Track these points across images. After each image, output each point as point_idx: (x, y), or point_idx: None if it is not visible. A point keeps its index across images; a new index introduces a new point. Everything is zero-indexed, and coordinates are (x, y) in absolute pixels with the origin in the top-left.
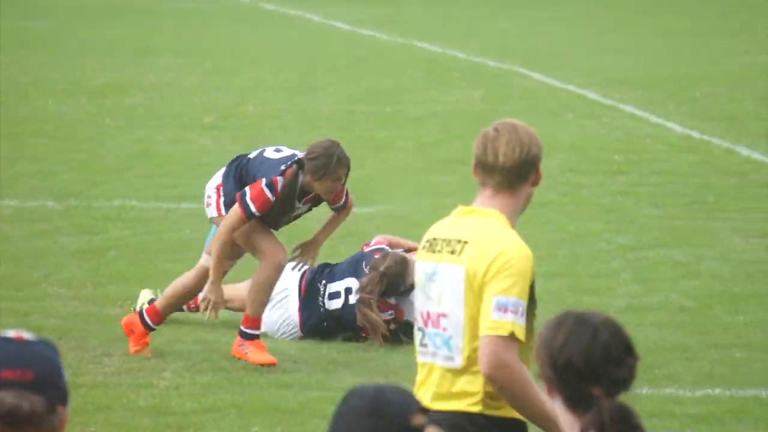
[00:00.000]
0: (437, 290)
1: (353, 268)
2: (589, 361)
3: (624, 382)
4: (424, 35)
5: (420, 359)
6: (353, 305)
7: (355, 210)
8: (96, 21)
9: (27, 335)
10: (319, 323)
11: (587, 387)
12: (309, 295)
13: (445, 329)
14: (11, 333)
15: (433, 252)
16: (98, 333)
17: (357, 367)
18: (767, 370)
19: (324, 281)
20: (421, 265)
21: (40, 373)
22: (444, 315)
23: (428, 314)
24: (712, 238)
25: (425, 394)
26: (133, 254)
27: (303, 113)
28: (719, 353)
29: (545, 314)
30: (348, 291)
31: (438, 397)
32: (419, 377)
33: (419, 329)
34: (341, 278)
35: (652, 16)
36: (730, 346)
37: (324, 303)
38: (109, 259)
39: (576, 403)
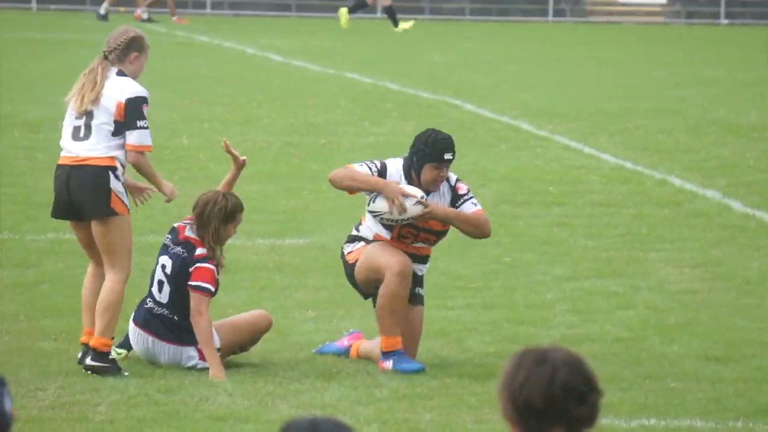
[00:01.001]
0: None
1: None
2: (549, 400)
3: (586, 419)
4: (356, 67)
5: None
6: None
7: (289, 242)
8: (28, 55)
9: None
10: None
11: (547, 427)
12: None
13: None
14: None
15: None
16: (32, 366)
17: (293, 399)
18: (701, 400)
19: None
20: None
21: None
22: None
23: None
24: (646, 268)
25: None
26: (67, 287)
27: (238, 145)
28: (654, 384)
29: (481, 346)
30: None
31: None
32: None
33: None
34: None
35: (585, 48)
36: (665, 377)
37: None
38: (42, 292)
39: None
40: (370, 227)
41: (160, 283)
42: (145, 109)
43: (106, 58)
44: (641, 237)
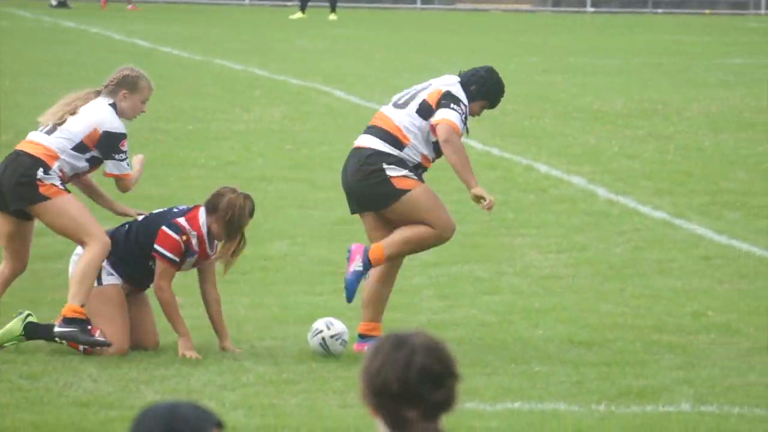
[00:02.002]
0: None
1: None
2: (405, 384)
3: (443, 403)
4: (224, 53)
5: None
6: None
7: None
8: None
9: None
10: None
11: (403, 410)
12: None
13: None
14: None
15: None
16: None
17: (158, 385)
18: (565, 384)
19: None
20: None
21: None
22: None
23: None
24: (512, 253)
25: None
26: None
27: None
28: (519, 367)
29: (348, 331)
30: None
31: None
32: None
33: None
34: None
35: (454, 34)
36: (530, 361)
37: None
38: None
39: (395, 426)
40: (417, 147)
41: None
42: (124, 145)
43: (98, 93)
44: (507, 222)
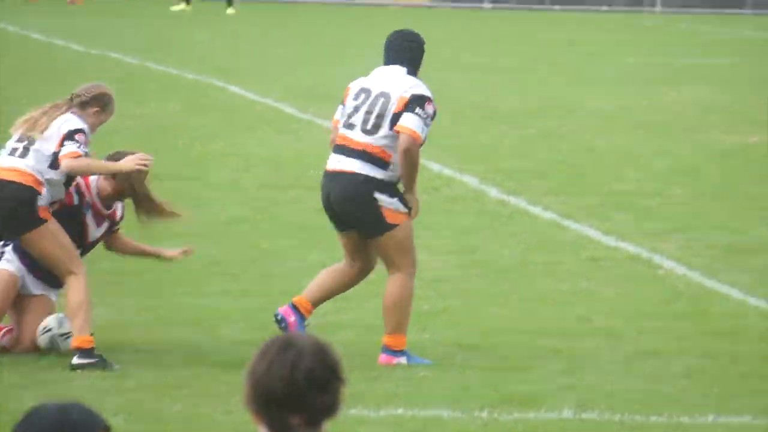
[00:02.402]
0: None
1: None
2: (291, 387)
3: (329, 408)
4: (118, 47)
5: None
6: None
7: None
8: None
9: None
10: None
11: (287, 416)
12: None
13: None
14: None
15: None
16: None
17: (39, 390)
18: (450, 389)
19: None
20: None
21: None
22: None
23: None
24: None
25: None
26: None
27: None
28: (404, 372)
29: (234, 334)
30: None
31: None
32: None
33: None
34: None
35: (352, 30)
36: (416, 365)
37: None
38: None
39: (278, 430)
40: (395, 162)
41: None
42: (81, 137)
43: (71, 100)
44: None
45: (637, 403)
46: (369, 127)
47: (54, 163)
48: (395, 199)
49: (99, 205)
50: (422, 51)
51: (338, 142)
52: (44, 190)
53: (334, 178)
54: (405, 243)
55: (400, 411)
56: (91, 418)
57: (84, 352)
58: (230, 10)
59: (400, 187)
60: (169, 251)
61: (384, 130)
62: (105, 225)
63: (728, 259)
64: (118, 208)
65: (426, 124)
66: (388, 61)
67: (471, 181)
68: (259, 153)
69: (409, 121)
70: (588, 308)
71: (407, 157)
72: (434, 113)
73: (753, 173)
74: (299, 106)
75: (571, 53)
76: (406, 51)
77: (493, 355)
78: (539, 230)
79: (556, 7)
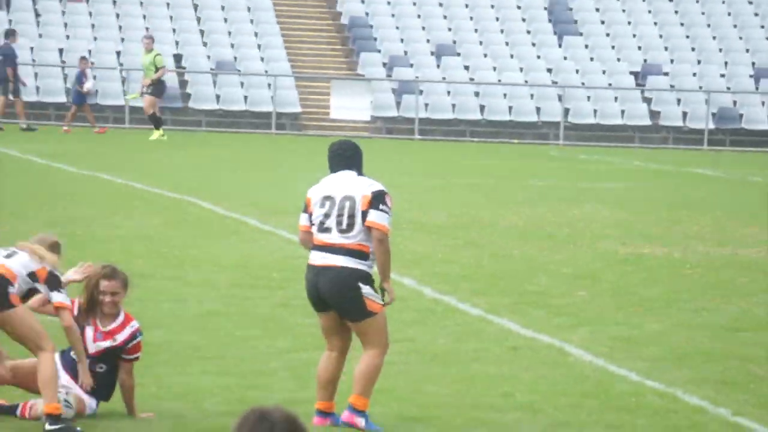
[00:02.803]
0: None
1: None
2: None
3: None
4: (108, 169)
5: None
6: None
7: None
8: None
9: None
10: None
11: None
12: None
13: None
14: None
15: None
16: None
17: None
18: None
19: None
20: None
21: None
22: None
23: None
24: (352, 344)
25: None
26: None
27: (5, 239)
28: None
29: (216, 406)
30: None
31: None
32: None
33: None
34: None
35: (303, 155)
36: (368, 431)
37: None
38: None
39: None
40: (373, 252)
41: None
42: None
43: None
44: None
45: None
46: (344, 227)
47: (32, 277)
48: (373, 289)
49: (97, 321)
50: (362, 156)
51: (318, 244)
52: (16, 283)
53: (321, 271)
54: (381, 327)
55: None
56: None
57: (53, 418)
58: (155, 135)
59: (376, 279)
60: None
61: (357, 227)
62: (106, 342)
63: (626, 348)
64: (124, 334)
65: (389, 215)
66: (338, 168)
67: (410, 282)
68: (229, 257)
69: (377, 217)
70: (511, 387)
71: (382, 247)
72: (391, 203)
73: (644, 278)
74: (261, 219)
75: (488, 177)
76: (351, 158)
77: (431, 425)
78: (468, 323)
79: (475, 139)
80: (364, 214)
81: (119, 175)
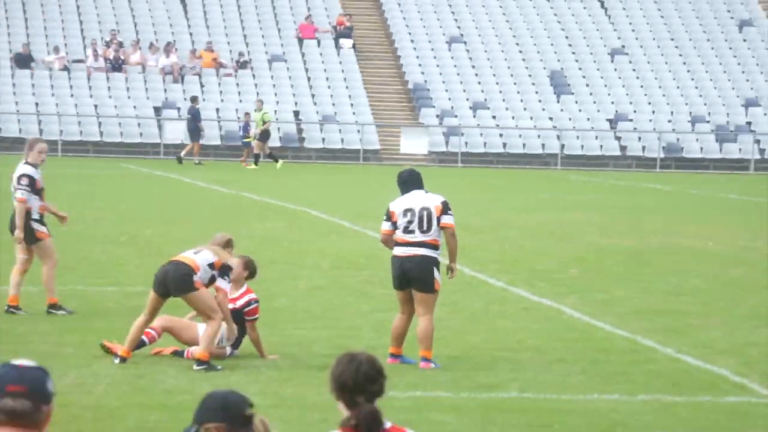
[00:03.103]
0: None
1: None
2: (355, 382)
3: (378, 392)
4: (249, 189)
5: None
6: None
7: None
8: None
9: (26, 362)
10: None
11: (355, 397)
12: None
13: None
14: (17, 361)
15: None
16: None
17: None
18: (448, 377)
19: None
20: None
21: (30, 386)
22: None
23: None
24: None
25: None
26: None
27: (187, 238)
28: (422, 372)
29: (316, 351)
30: None
31: None
32: None
33: None
34: None
35: (381, 180)
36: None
37: None
38: None
39: (350, 406)
40: (442, 245)
41: None
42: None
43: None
44: None
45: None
46: (425, 228)
47: (212, 267)
48: (439, 275)
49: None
50: (422, 179)
51: (402, 242)
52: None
53: (407, 259)
54: (436, 300)
55: (418, 393)
56: (243, 398)
57: (201, 362)
58: (279, 165)
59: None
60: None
61: (434, 228)
62: (229, 305)
63: (603, 308)
64: (241, 301)
65: (453, 216)
66: (410, 188)
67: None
68: (330, 249)
69: (448, 220)
70: (523, 335)
71: (454, 239)
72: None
73: (616, 260)
74: (352, 222)
75: (507, 192)
76: (417, 181)
77: (471, 361)
78: (494, 292)
79: (499, 166)
80: (438, 219)
81: (257, 193)
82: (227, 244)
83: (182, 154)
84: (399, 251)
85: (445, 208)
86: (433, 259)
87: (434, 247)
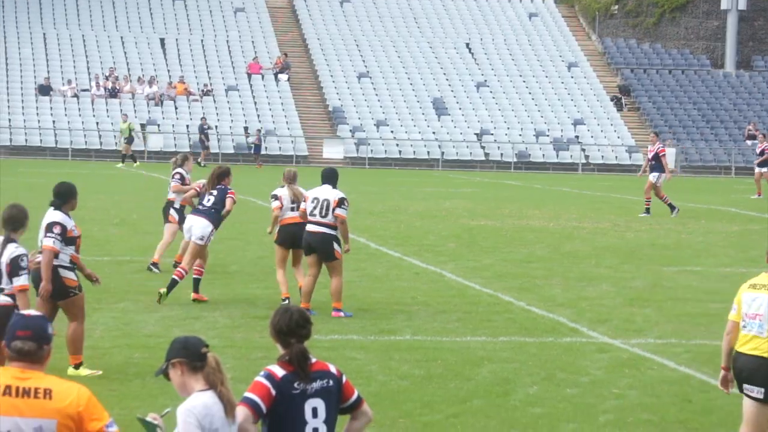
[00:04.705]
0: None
1: None
2: (288, 327)
3: (306, 336)
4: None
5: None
6: None
7: None
8: None
9: (32, 312)
10: None
11: (288, 339)
12: None
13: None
14: (25, 312)
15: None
16: None
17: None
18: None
19: None
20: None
21: (35, 331)
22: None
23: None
24: None
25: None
26: None
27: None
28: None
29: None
30: None
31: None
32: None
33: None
34: None
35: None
36: (346, 318)
37: None
38: None
39: (285, 346)
40: (338, 227)
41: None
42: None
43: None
44: None
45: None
46: (323, 214)
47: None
48: (338, 247)
49: None
50: (337, 176)
51: (310, 221)
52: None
53: (311, 234)
54: (341, 265)
55: (336, 337)
56: (200, 340)
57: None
58: (135, 164)
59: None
60: None
61: (329, 215)
62: None
63: (474, 272)
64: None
65: (347, 210)
66: (324, 183)
67: (373, 245)
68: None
69: (340, 211)
70: (415, 293)
71: (344, 225)
72: (348, 204)
73: (484, 236)
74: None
75: (401, 186)
76: (331, 178)
77: (365, 308)
78: (392, 262)
79: (396, 167)
80: (334, 209)
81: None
82: (293, 180)
83: (200, 159)
84: (308, 228)
85: (341, 203)
86: (330, 235)
87: (331, 227)
